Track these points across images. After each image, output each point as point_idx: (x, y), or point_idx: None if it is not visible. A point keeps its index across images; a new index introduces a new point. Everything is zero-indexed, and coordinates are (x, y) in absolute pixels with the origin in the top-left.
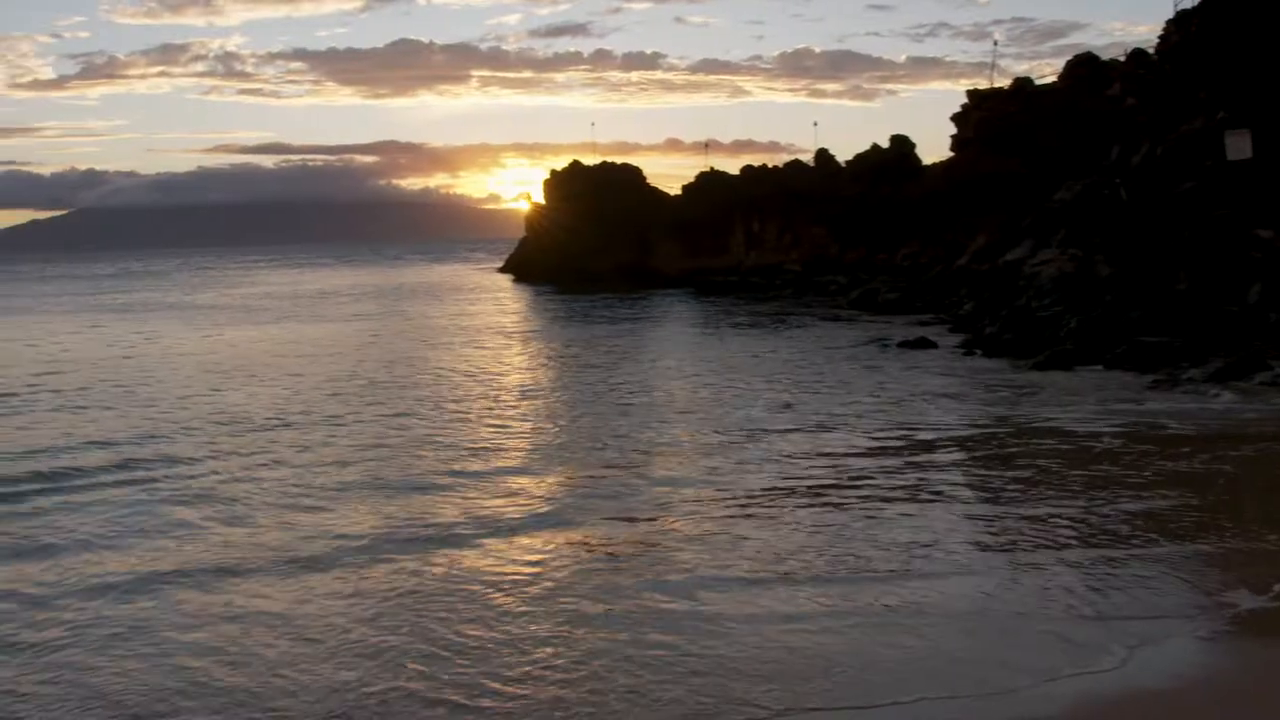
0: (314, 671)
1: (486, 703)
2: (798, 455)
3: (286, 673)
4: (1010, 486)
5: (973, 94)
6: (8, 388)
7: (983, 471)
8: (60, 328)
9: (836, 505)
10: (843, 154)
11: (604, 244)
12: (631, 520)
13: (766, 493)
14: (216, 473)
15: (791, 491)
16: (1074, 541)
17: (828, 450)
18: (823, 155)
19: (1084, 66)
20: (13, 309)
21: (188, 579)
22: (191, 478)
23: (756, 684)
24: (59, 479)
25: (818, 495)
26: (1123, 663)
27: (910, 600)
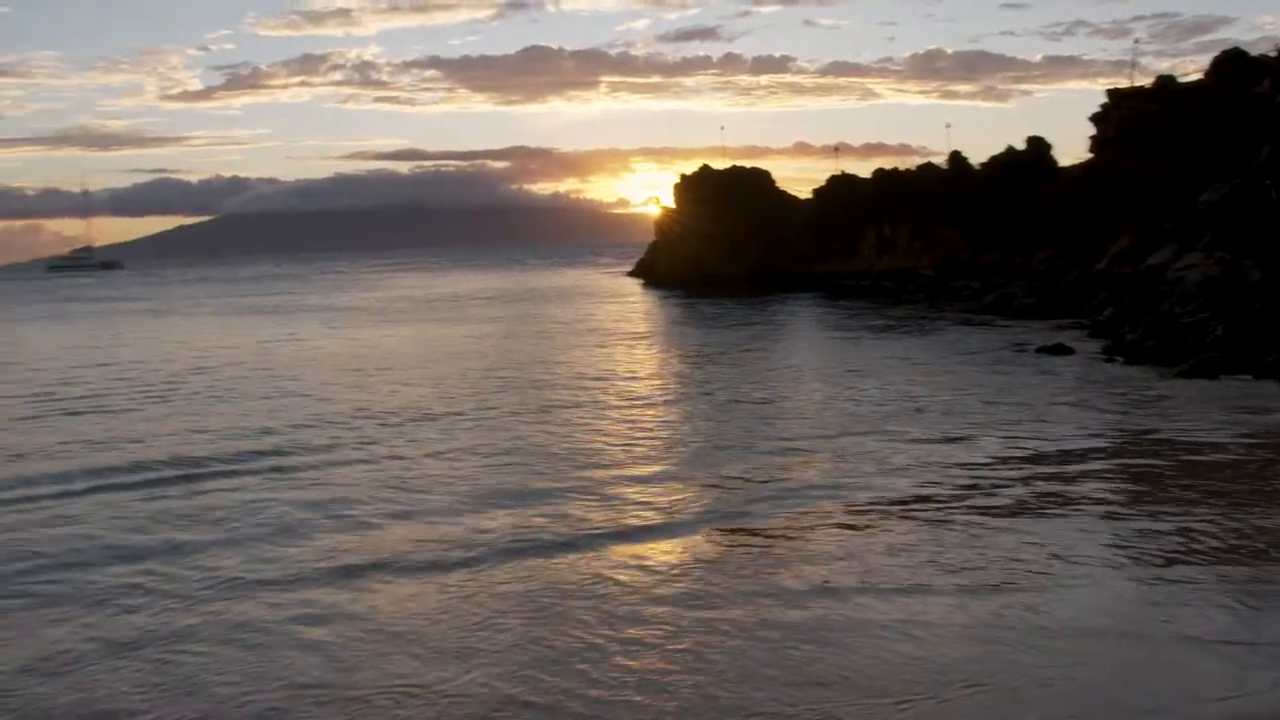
0: (431, 677)
1: (598, 711)
2: (928, 462)
3: (404, 678)
4: (1146, 498)
5: (1113, 93)
6: (162, 382)
7: (1119, 483)
8: (209, 328)
9: (964, 514)
10: (976, 156)
11: (734, 248)
12: (755, 526)
13: (894, 500)
14: (354, 468)
15: (919, 499)
16: (1212, 557)
17: (959, 457)
18: (956, 158)
19: (1232, 63)
20: (162, 310)
21: (313, 577)
22: (329, 475)
23: (871, 697)
24: (205, 471)
25: (946, 503)
26: (1274, 685)
27: (1039, 614)
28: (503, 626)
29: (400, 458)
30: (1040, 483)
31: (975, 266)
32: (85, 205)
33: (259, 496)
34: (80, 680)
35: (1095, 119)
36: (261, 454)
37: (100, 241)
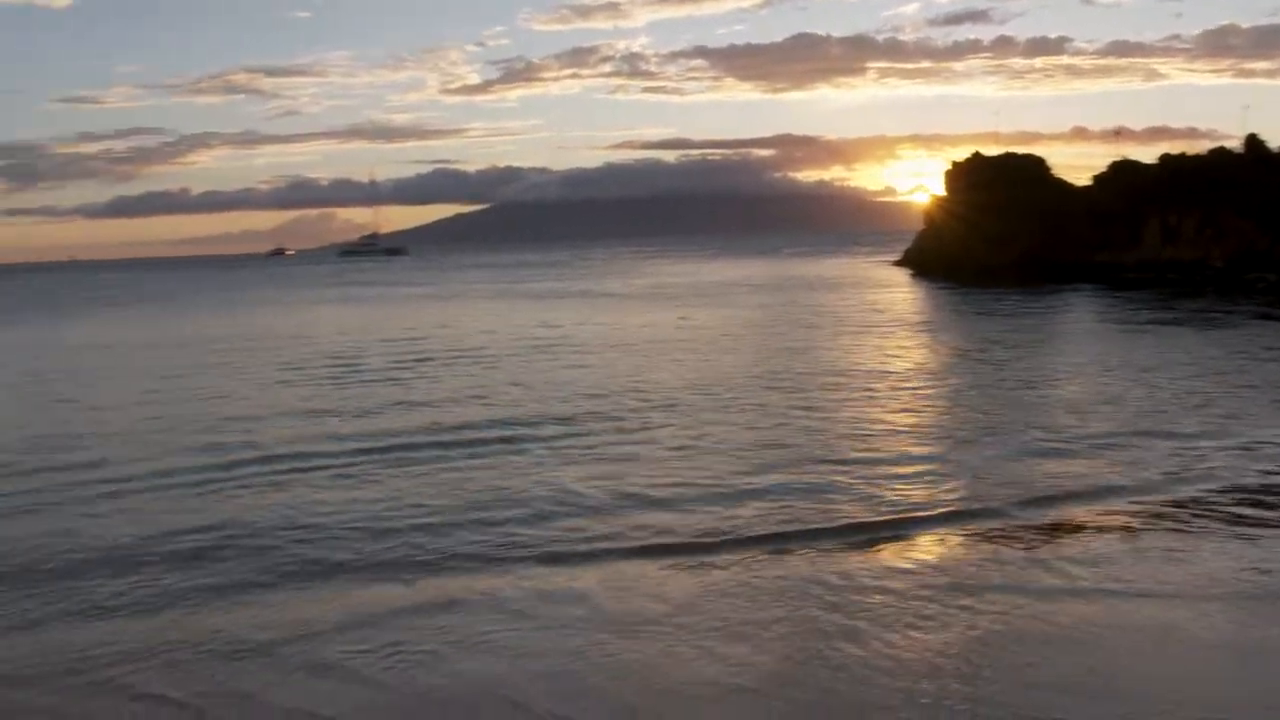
0: (673, 665)
1: (827, 701)
2: (1207, 465)
3: (644, 664)
4: None
5: None
6: (442, 359)
7: None
8: (486, 311)
9: (1242, 521)
10: (1277, 140)
11: (1006, 236)
12: (1016, 522)
13: (1166, 503)
14: (619, 449)
15: (1192, 502)
16: None
17: (1240, 461)
18: (1252, 141)
19: None
20: (442, 295)
21: (561, 555)
22: (594, 455)
23: (1142, 714)
24: (476, 439)
25: (1222, 508)
26: None
27: None
28: (747, 615)
29: (663, 440)
30: None
31: (1272, 258)
32: (372, 194)
33: (523, 471)
34: (318, 648)
35: None
36: (529, 427)
37: (385, 229)
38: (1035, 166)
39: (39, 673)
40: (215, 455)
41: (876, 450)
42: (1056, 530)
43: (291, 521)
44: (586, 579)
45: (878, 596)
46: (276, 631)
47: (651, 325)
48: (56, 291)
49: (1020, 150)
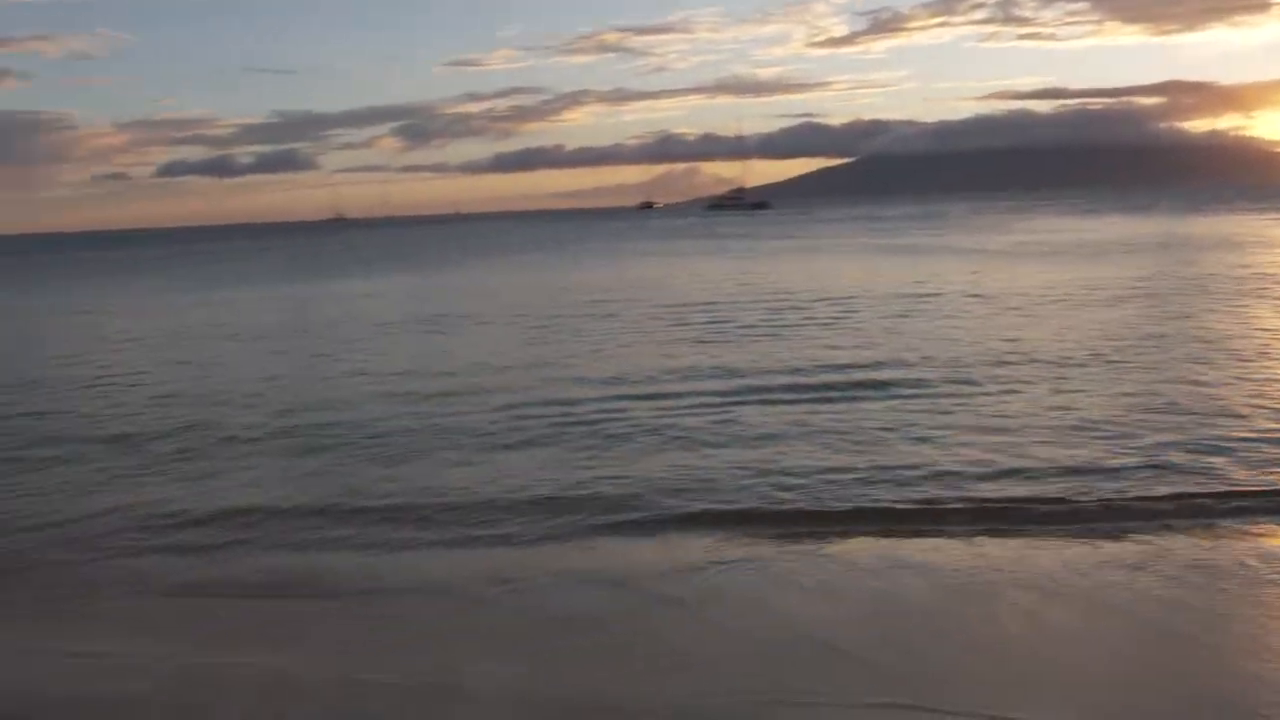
0: (1012, 641)
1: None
2: None
3: (992, 640)
4: None
5: None
6: (805, 311)
7: None
8: (853, 265)
9: None
10: None
11: None
12: None
13: None
14: (991, 405)
15: None
16: None
17: None
18: None
19: None
20: (810, 247)
21: (919, 517)
22: (965, 408)
23: None
24: (826, 384)
25: None
26: None
27: None
28: (1092, 589)
29: (1036, 402)
30: None
31: None
32: (738, 149)
33: (888, 429)
34: (654, 584)
35: None
36: (899, 373)
37: (750, 183)
38: None
39: (405, 585)
40: (600, 393)
41: (1274, 424)
42: None
43: (641, 471)
44: (930, 542)
45: (1263, 581)
46: (618, 570)
47: (1025, 281)
48: (448, 241)
49: None
